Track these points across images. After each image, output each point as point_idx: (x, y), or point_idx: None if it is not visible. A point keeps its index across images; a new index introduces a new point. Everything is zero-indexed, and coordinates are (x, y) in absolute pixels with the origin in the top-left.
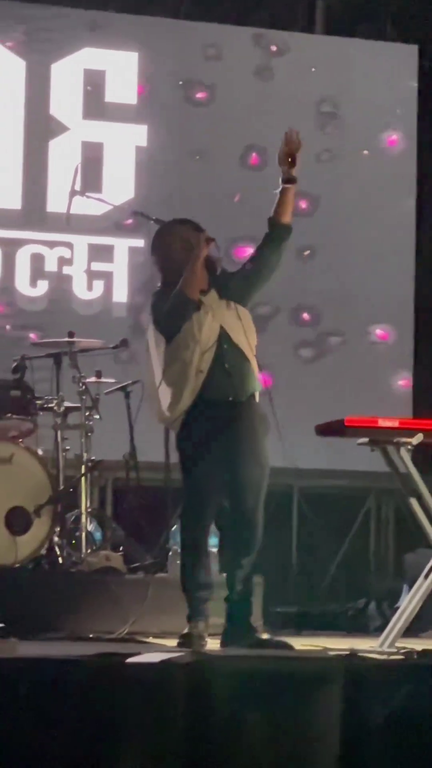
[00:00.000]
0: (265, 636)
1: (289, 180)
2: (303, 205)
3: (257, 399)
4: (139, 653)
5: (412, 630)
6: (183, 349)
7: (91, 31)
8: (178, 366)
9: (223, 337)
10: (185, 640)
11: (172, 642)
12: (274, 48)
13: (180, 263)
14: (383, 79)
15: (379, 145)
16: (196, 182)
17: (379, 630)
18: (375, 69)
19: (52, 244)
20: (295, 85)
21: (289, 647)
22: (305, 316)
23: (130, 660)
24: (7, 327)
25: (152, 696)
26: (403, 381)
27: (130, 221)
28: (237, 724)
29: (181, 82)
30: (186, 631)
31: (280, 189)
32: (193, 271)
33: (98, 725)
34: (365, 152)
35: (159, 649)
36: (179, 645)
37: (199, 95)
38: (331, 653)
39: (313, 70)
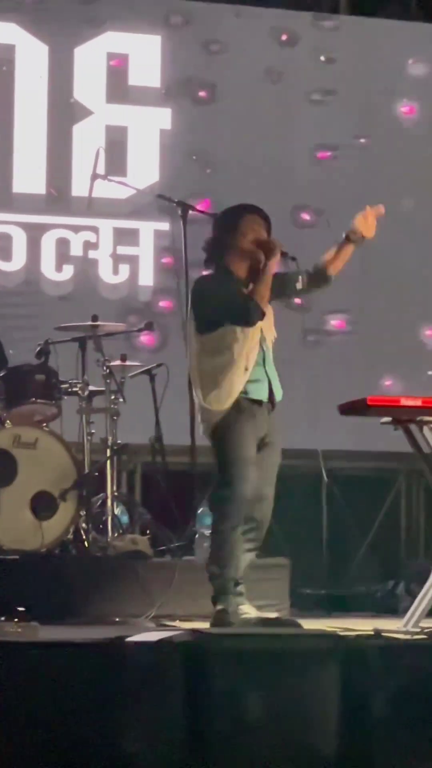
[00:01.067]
0: (274, 615)
1: (352, 240)
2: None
3: None
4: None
5: None
6: (232, 342)
7: (114, 16)
8: (225, 358)
9: (263, 339)
10: (222, 617)
11: (199, 624)
12: (284, 37)
13: (243, 257)
14: (403, 59)
15: (397, 128)
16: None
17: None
18: (395, 49)
19: (77, 229)
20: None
21: (297, 626)
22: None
23: (129, 639)
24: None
25: (151, 675)
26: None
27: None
28: (235, 702)
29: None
30: (221, 607)
31: (341, 241)
32: (267, 283)
33: (99, 705)
34: (362, 141)
35: (159, 629)
36: (214, 624)
37: (201, 94)
38: (330, 631)
39: (322, 59)
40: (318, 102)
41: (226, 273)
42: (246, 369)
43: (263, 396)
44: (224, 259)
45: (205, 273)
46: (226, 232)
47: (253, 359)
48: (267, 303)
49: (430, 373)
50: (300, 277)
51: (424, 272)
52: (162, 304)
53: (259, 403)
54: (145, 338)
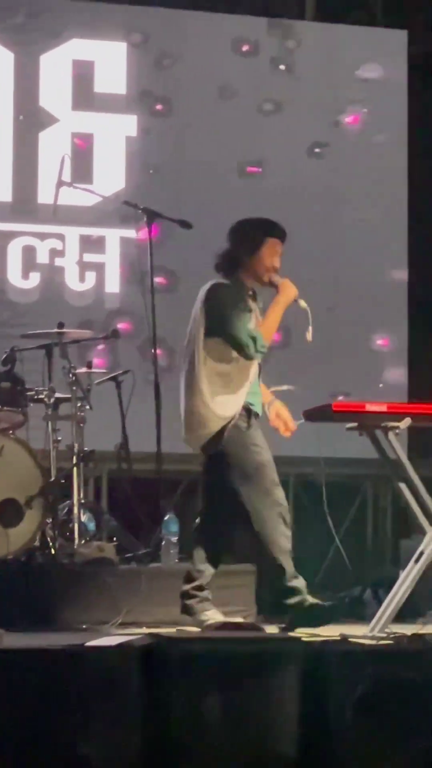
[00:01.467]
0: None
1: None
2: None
3: None
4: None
5: (409, 616)
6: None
7: (79, 21)
8: (235, 364)
9: None
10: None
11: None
12: (246, 48)
13: (255, 277)
14: (365, 66)
15: (357, 137)
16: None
17: None
18: (357, 56)
19: (43, 236)
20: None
21: (261, 630)
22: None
23: (89, 644)
24: None
25: (111, 679)
26: (398, 375)
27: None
28: (197, 706)
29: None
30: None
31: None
32: (276, 322)
33: (58, 710)
34: (316, 150)
35: (120, 634)
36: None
37: (158, 107)
38: (294, 636)
39: (282, 68)
40: (276, 112)
41: (242, 287)
42: (251, 382)
43: (258, 409)
44: (239, 273)
45: (222, 281)
46: (245, 253)
47: (255, 373)
48: (271, 339)
49: (381, 385)
50: (310, 328)
51: (376, 280)
52: (120, 326)
53: (257, 415)
54: (97, 361)
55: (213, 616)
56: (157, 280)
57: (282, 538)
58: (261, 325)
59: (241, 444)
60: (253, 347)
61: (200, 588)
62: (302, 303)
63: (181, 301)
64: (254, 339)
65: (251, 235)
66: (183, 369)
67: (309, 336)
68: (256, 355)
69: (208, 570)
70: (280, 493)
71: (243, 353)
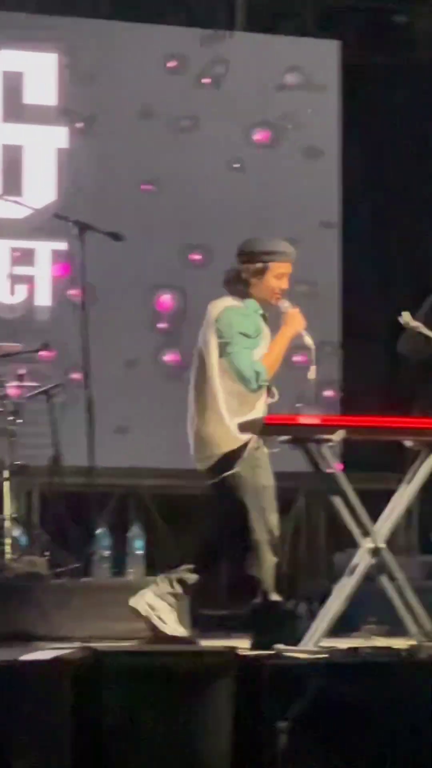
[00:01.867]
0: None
1: None
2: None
3: None
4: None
5: (342, 630)
6: None
7: (7, 32)
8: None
9: None
10: None
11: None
12: (172, 63)
13: (265, 296)
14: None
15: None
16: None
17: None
18: (284, 67)
19: None
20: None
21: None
22: None
23: (22, 658)
24: None
25: (44, 693)
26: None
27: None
28: (129, 720)
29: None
30: None
31: None
32: (281, 354)
33: None
34: (236, 165)
35: (52, 648)
36: None
37: (77, 125)
38: (227, 649)
39: (208, 81)
40: (202, 126)
41: (252, 309)
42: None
43: None
44: (249, 294)
45: (233, 304)
46: (252, 274)
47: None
48: (274, 371)
49: (298, 405)
50: (312, 367)
51: (305, 293)
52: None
53: None
54: (11, 391)
55: (174, 627)
56: (75, 293)
57: (266, 564)
58: (265, 357)
59: (251, 464)
60: (255, 382)
61: (174, 596)
62: (308, 340)
63: (98, 314)
64: (258, 373)
65: (256, 259)
66: (192, 389)
67: (311, 374)
68: (258, 389)
69: (190, 580)
70: (274, 520)
71: (245, 386)
